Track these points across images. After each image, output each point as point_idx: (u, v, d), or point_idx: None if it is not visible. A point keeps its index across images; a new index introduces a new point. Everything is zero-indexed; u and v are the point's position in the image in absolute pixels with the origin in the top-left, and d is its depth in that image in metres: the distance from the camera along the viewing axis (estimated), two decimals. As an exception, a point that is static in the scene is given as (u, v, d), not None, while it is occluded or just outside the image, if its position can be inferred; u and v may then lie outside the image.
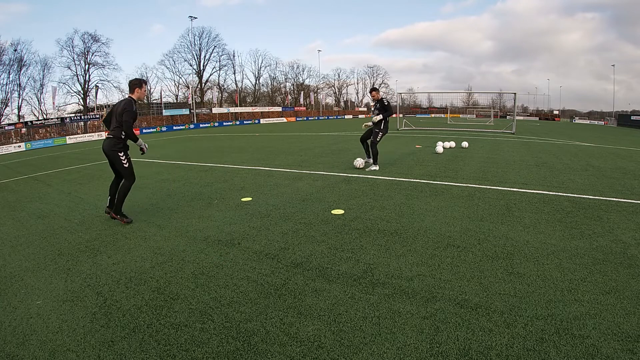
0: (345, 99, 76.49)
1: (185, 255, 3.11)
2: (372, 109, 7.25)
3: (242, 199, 5.01)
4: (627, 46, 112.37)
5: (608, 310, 2.09)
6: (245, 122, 46.90)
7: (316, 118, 57.34)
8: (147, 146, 4.39)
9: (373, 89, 7.30)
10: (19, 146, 26.61)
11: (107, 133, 4.19)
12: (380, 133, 6.92)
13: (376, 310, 2.17)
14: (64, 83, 41.75)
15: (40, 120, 34.65)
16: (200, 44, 53.56)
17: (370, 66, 77.77)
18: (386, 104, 6.90)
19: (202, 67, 54.07)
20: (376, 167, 6.99)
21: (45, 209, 5.11)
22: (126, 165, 4.15)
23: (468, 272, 2.62)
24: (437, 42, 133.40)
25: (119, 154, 4.11)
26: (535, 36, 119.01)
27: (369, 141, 7.14)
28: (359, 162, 7.20)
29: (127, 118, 4.02)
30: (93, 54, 42.89)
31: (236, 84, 58.76)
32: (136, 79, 4.28)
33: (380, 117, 6.84)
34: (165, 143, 18.23)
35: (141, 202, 5.20)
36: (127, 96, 4.18)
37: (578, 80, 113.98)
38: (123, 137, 4.09)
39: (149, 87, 47.85)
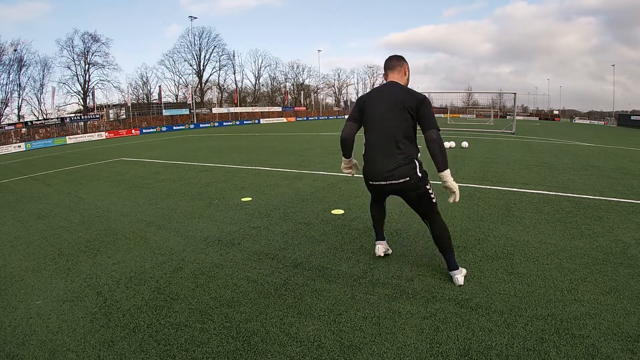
0: (345, 99, 76.54)
1: (185, 255, 3.11)
2: None
3: (242, 199, 5.01)
4: (622, 48, 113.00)
5: (608, 310, 2.09)
6: (245, 122, 46.89)
7: (316, 118, 57.34)
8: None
9: None
10: (19, 146, 26.65)
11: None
12: None
13: (376, 310, 2.17)
14: (63, 83, 41.81)
15: (40, 120, 34.70)
16: (200, 44, 53.69)
17: (370, 66, 77.79)
18: None
19: (202, 67, 54.17)
20: None
21: (45, 209, 5.11)
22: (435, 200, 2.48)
23: (468, 272, 2.61)
24: (437, 45, 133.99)
25: (427, 186, 2.42)
26: (533, 39, 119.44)
27: None
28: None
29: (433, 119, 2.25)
30: (93, 54, 42.95)
31: (236, 84, 58.77)
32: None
33: None
34: (165, 143, 18.24)
35: (141, 202, 5.20)
36: (387, 81, 2.42)
37: (577, 81, 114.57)
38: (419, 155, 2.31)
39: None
